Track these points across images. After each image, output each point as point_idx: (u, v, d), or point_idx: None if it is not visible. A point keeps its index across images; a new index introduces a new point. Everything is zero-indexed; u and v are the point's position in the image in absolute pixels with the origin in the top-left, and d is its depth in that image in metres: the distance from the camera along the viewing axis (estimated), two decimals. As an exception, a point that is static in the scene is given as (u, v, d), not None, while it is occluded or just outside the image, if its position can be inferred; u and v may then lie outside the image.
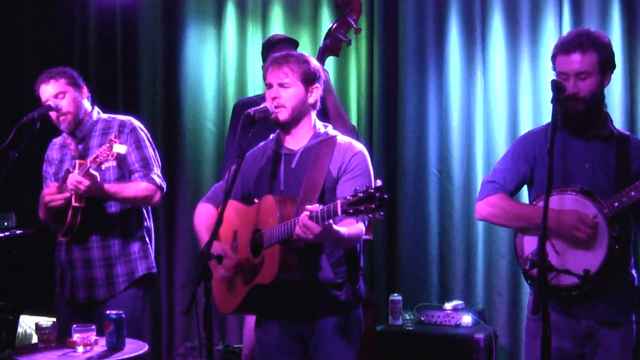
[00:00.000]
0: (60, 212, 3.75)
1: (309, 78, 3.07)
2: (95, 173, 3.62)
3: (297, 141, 3.12)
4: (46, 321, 3.58)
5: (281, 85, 3.05)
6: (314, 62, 3.13)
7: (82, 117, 3.90)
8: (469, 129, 5.06)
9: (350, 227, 2.91)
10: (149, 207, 3.99)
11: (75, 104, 3.86)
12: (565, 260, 2.98)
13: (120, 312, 3.38)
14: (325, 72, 3.99)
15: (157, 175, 3.87)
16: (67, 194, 3.67)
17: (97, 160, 3.54)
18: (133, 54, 5.72)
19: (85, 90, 3.93)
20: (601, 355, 3.07)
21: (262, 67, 4.46)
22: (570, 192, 3.03)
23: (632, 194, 2.95)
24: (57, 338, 3.47)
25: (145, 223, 3.97)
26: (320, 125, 3.15)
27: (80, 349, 3.30)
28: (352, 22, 4.35)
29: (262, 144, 3.26)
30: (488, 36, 5.03)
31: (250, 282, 2.99)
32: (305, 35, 5.39)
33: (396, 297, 4.78)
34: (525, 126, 4.79)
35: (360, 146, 3.12)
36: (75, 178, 3.58)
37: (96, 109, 3.98)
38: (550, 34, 4.84)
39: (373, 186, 2.55)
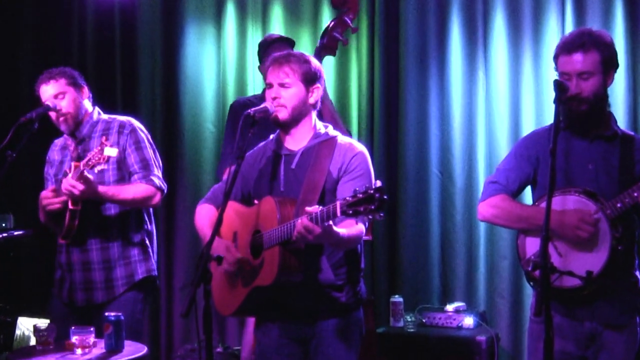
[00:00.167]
0: (60, 214, 3.73)
1: (310, 78, 3.06)
2: (90, 176, 3.58)
3: (297, 141, 3.11)
4: (44, 323, 3.56)
5: (282, 85, 3.04)
6: (315, 62, 3.12)
7: (82, 118, 3.88)
8: (470, 130, 5.05)
9: (350, 229, 2.90)
10: (151, 210, 3.97)
11: (75, 104, 3.84)
12: (568, 261, 2.97)
13: (119, 314, 3.36)
14: None
15: (157, 176, 3.84)
16: (64, 197, 3.65)
17: (90, 163, 3.50)
18: (132, 53, 5.71)
19: (86, 90, 3.91)
20: (604, 357, 3.05)
21: (259, 67, 4.51)
22: (573, 193, 3.02)
23: (635, 194, 2.94)
24: (56, 340, 3.45)
25: (146, 226, 3.94)
26: (320, 126, 3.14)
27: (78, 351, 3.28)
28: (349, 21, 4.37)
29: (262, 144, 3.25)
30: (490, 36, 5.02)
31: (250, 284, 2.98)
32: (305, 35, 5.38)
33: (397, 298, 4.77)
34: (528, 126, 4.79)
35: (360, 147, 3.11)
36: (69, 182, 3.55)
37: (97, 109, 3.96)
38: (553, 34, 4.83)
39: (373, 187, 2.55)
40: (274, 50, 4.05)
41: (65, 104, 3.80)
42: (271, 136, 3.21)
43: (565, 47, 3.06)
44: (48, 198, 3.71)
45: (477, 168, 5.01)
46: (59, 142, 4.01)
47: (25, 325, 4.83)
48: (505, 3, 4.98)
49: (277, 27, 5.42)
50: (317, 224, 2.68)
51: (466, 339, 4.46)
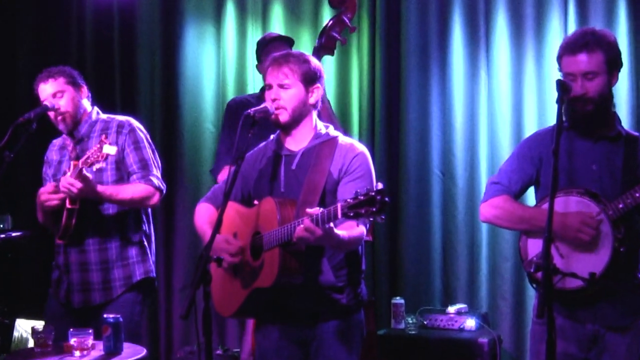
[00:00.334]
0: (58, 213, 3.71)
1: (310, 78, 3.04)
2: (89, 175, 3.57)
3: (297, 142, 3.10)
4: (42, 325, 3.55)
5: (281, 86, 3.02)
6: (315, 62, 3.10)
7: (81, 117, 3.86)
8: (472, 130, 5.05)
9: (351, 230, 2.88)
10: (149, 211, 3.96)
11: (74, 103, 3.82)
12: (570, 263, 2.96)
13: (118, 316, 3.34)
14: None
15: (155, 176, 3.83)
16: (62, 195, 3.63)
17: (89, 161, 3.50)
18: (131, 53, 5.71)
19: (84, 89, 3.90)
20: (607, 360, 3.05)
21: (257, 66, 4.50)
22: (575, 194, 3.01)
23: (637, 195, 2.93)
24: (54, 342, 3.43)
25: (144, 226, 3.92)
26: (321, 126, 3.12)
27: (77, 353, 3.26)
28: (347, 21, 4.37)
29: (262, 144, 3.23)
30: (492, 35, 5.02)
31: (250, 286, 2.96)
32: (305, 35, 5.38)
33: (398, 300, 4.76)
34: (530, 127, 4.79)
35: (361, 147, 3.09)
36: (67, 180, 3.54)
37: (96, 109, 3.95)
38: (556, 33, 4.83)
39: (374, 189, 2.53)
40: (272, 49, 4.05)
41: (63, 103, 3.79)
42: (271, 136, 3.20)
43: (569, 48, 3.05)
44: (47, 193, 3.69)
45: (479, 168, 5.01)
46: (57, 142, 4.00)
47: (24, 327, 4.83)
48: (508, 2, 4.98)
49: (277, 26, 5.42)
50: (318, 226, 2.66)
51: (468, 341, 4.45)
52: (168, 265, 5.62)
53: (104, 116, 3.93)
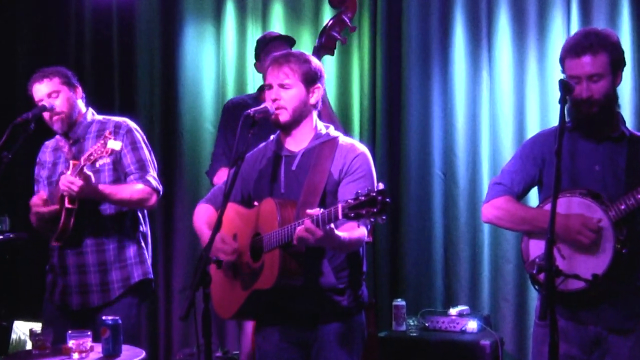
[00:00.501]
0: (52, 216, 3.70)
1: (310, 78, 3.03)
2: (90, 173, 3.56)
3: (297, 142, 3.08)
4: (40, 327, 3.57)
5: (282, 85, 3.01)
6: (315, 62, 3.09)
7: (76, 118, 3.85)
8: (474, 130, 5.04)
9: (352, 232, 2.87)
10: (145, 212, 3.95)
11: (69, 103, 3.81)
12: (572, 264, 2.94)
13: (117, 317, 3.35)
14: None
15: (153, 177, 3.82)
16: (53, 207, 3.63)
17: (92, 157, 3.47)
18: (130, 53, 5.70)
19: (79, 90, 3.89)
20: (609, 362, 3.04)
21: (255, 65, 4.49)
22: (577, 195, 3.00)
23: (639, 196, 2.91)
24: (52, 344, 3.43)
25: (141, 228, 3.92)
26: (321, 126, 3.11)
27: (75, 355, 3.26)
28: (347, 20, 4.37)
29: (261, 145, 3.22)
30: (494, 35, 5.01)
31: (250, 287, 2.95)
32: (306, 34, 5.39)
33: (400, 302, 4.74)
34: (533, 127, 4.79)
35: (362, 148, 3.08)
36: (67, 179, 3.52)
37: (90, 109, 3.93)
38: (558, 33, 4.82)
39: (375, 189, 2.52)
40: (272, 49, 4.04)
41: (59, 103, 3.78)
42: (271, 137, 3.19)
43: (572, 50, 3.02)
44: (38, 206, 3.70)
45: (481, 169, 5.00)
46: (49, 143, 3.99)
47: (22, 330, 4.83)
48: (510, 1, 4.98)
49: (277, 25, 5.41)
50: (319, 227, 2.65)
51: (470, 343, 4.43)
52: (167, 266, 5.62)
53: (99, 117, 3.92)
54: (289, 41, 4.49)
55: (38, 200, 3.71)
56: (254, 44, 4.83)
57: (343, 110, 5.24)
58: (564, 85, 2.85)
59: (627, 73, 4.48)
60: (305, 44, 5.23)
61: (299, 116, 3.03)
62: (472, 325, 4.57)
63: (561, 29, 4.81)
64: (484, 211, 3.23)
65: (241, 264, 3.00)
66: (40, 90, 3.78)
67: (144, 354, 3.39)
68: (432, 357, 4.48)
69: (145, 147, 3.87)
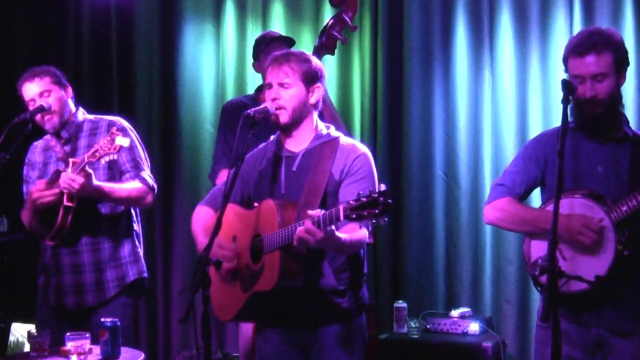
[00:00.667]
0: (48, 214, 3.68)
1: (310, 77, 3.02)
2: (91, 171, 3.55)
3: (298, 143, 3.07)
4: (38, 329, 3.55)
5: (281, 85, 3.00)
6: (316, 61, 3.08)
7: (68, 117, 3.85)
8: (476, 130, 5.04)
9: (353, 233, 2.86)
10: (137, 210, 3.95)
11: (61, 103, 3.81)
12: (573, 266, 2.94)
13: (116, 319, 3.34)
14: None
15: (148, 175, 3.83)
16: (57, 190, 3.59)
17: (97, 154, 3.45)
18: (128, 53, 5.69)
19: (69, 90, 3.89)
20: (611, 364, 3.03)
21: (253, 65, 4.47)
22: (579, 196, 2.99)
23: (641, 197, 2.92)
24: (50, 346, 3.42)
25: (135, 226, 3.92)
26: (322, 126, 3.10)
27: (74, 357, 3.24)
28: (348, 20, 4.37)
29: (261, 145, 3.21)
30: (496, 34, 5.00)
31: (250, 289, 2.94)
32: (306, 34, 5.38)
33: (401, 304, 4.75)
34: (535, 127, 4.79)
35: (363, 148, 3.07)
36: (68, 176, 3.50)
37: (81, 109, 3.94)
38: (561, 32, 4.81)
39: (377, 190, 2.51)
40: (272, 50, 4.03)
41: (51, 102, 3.77)
42: (271, 137, 3.17)
43: (576, 49, 3.02)
44: (40, 191, 3.64)
45: (483, 170, 4.99)
46: (38, 144, 3.98)
47: (19, 332, 4.82)
48: (512, 1, 4.97)
49: (278, 25, 5.41)
50: (319, 228, 2.64)
51: (472, 345, 4.42)
52: (166, 268, 5.61)
53: (90, 116, 3.92)
54: (289, 42, 4.48)
55: (41, 184, 3.67)
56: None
57: (344, 110, 5.23)
58: (567, 85, 2.84)
59: (630, 73, 4.42)
60: (305, 44, 5.22)
61: (299, 116, 3.02)
62: (474, 327, 4.57)
63: (564, 29, 4.80)
64: (485, 213, 3.23)
65: (241, 266, 2.98)
66: (31, 89, 3.78)
67: (142, 356, 3.38)
68: (434, 360, 4.50)
69: (139, 145, 3.87)
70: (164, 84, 5.64)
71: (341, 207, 2.56)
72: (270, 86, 3.02)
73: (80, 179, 3.49)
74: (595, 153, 3.06)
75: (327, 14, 5.23)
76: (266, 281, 2.85)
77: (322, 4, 5.34)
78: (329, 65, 5.00)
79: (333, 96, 5.16)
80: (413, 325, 4.61)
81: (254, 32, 5.44)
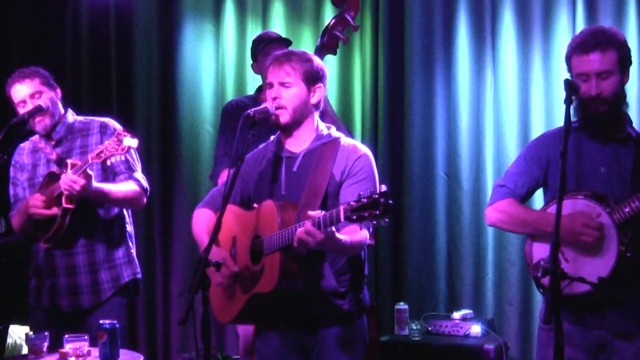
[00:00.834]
0: (42, 219, 3.68)
1: (312, 77, 3.01)
2: (91, 173, 3.54)
3: (298, 143, 3.06)
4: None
5: (282, 84, 2.99)
6: (317, 61, 3.07)
7: (58, 119, 3.85)
8: (478, 131, 5.03)
9: (354, 235, 2.85)
10: (129, 211, 3.96)
11: (52, 104, 3.81)
12: (576, 267, 2.94)
13: (114, 321, 3.34)
14: None
15: (141, 177, 3.84)
16: (52, 212, 3.60)
17: (102, 155, 3.43)
18: (128, 53, 5.70)
19: (58, 91, 3.89)
20: (614, 367, 3.02)
21: (252, 66, 4.47)
22: (581, 197, 2.98)
23: (644, 198, 2.91)
24: (48, 349, 3.41)
25: (128, 227, 3.94)
26: (323, 127, 3.09)
27: (72, 360, 3.25)
28: (350, 19, 4.38)
29: (262, 145, 3.20)
30: (498, 34, 5.01)
31: (250, 291, 2.93)
32: (307, 34, 5.39)
33: (402, 306, 4.73)
34: (537, 127, 4.79)
35: (364, 149, 3.06)
36: (69, 177, 3.49)
37: (70, 111, 3.94)
38: (563, 31, 4.82)
39: (378, 191, 2.49)
40: (270, 50, 4.02)
41: (42, 103, 3.75)
42: (272, 137, 3.16)
43: (580, 47, 3.01)
44: (37, 207, 3.65)
45: (485, 170, 4.99)
46: (25, 145, 3.98)
47: (17, 334, 4.80)
48: (515, 0, 4.95)
49: (278, 25, 5.41)
50: (320, 230, 2.62)
51: (474, 347, 4.41)
52: (166, 269, 5.61)
53: (80, 118, 3.92)
54: (287, 43, 4.47)
55: (37, 201, 3.66)
56: (254, 44, 4.82)
57: (345, 110, 5.24)
58: (569, 85, 2.84)
59: (633, 72, 4.45)
60: (306, 44, 5.22)
61: (300, 116, 3.01)
62: (476, 329, 4.55)
63: (566, 28, 4.80)
64: (487, 214, 3.23)
65: (241, 268, 2.96)
66: (22, 90, 3.77)
67: (141, 358, 3.38)
68: (435, 362, 4.49)
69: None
70: (164, 84, 5.64)
71: (342, 208, 2.54)
72: (271, 85, 3.01)
73: (82, 181, 3.48)
74: (598, 153, 3.05)
75: (328, 14, 5.25)
76: (266, 283, 2.84)
77: (322, 4, 5.34)
78: (330, 65, 5.00)
79: (334, 96, 5.17)
80: (414, 327, 4.59)
81: (253, 32, 5.43)
